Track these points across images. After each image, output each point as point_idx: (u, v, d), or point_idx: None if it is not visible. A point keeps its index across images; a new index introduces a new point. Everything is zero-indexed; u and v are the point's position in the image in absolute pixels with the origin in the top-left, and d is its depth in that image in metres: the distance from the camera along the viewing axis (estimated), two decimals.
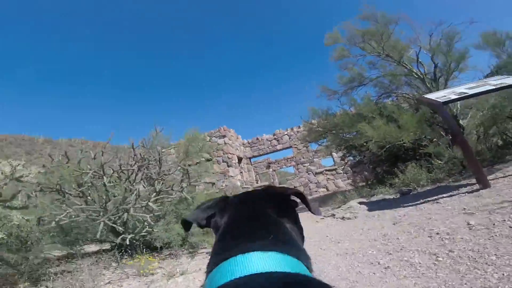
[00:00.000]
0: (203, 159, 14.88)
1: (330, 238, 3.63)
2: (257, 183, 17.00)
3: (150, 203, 3.97)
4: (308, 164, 14.52)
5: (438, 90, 7.90)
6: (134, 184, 4.59)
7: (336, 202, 7.43)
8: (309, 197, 12.84)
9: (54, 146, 21.07)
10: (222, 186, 13.37)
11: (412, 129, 5.91)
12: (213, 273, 0.38)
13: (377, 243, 2.84)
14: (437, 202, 3.80)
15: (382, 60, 8.34)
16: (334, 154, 14.13)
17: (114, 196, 4.35)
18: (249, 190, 0.65)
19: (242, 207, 0.55)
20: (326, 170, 14.11)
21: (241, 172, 15.42)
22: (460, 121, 7.68)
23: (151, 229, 4.03)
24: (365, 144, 7.55)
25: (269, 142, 15.64)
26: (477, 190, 3.74)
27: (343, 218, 4.76)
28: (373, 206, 4.97)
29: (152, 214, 4.31)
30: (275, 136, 15.63)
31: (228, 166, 13.74)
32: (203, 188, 6.05)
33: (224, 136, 14.13)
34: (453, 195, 3.95)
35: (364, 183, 9.92)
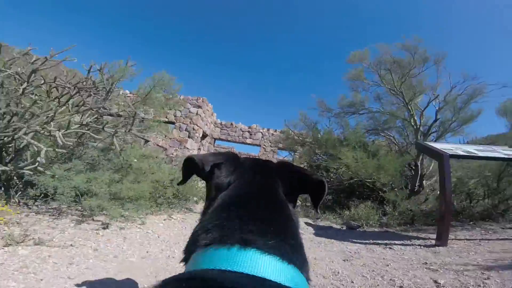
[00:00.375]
0: (165, 119, 13.55)
1: None
2: None
3: (57, 133, 2.88)
4: None
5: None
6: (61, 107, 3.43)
7: None
8: None
9: None
10: (172, 154, 12.21)
11: (391, 171, 5.68)
12: (203, 255, 0.34)
13: (327, 282, 2.27)
14: (390, 248, 3.44)
15: (391, 96, 8.17)
16: None
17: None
18: (262, 159, 0.59)
19: (253, 177, 0.49)
20: None
21: (199, 149, 14.36)
22: (424, 181, 7.89)
23: (41, 169, 2.93)
24: (335, 169, 7.26)
25: (242, 132, 14.91)
26: (433, 245, 3.51)
27: None
28: (319, 231, 4.52)
29: (60, 151, 3.22)
30: (249, 129, 14.94)
31: (189, 137, 12.65)
32: (143, 145, 4.97)
33: (199, 107, 13.00)
34: (406, 244, 3.65)
35: (310, 204, 9.72)
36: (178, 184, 0.58)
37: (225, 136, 14.94)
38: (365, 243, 3.73)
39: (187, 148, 12.55)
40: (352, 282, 2.25)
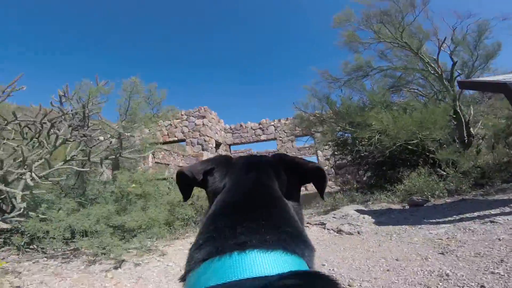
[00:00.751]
0: (174, 138, 13.15)
1: (329, 270, 2.14)
2: None
3: (30, 174, 2.26)
4: None
5: (454, 90, 6.85)
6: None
7: (322, 205, 6.08)
8: None
9: None
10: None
11: (441, 124, 4.65)
12: (202, 270, 0.32)
13: None
14: (492, 222, 2.48)
15: (395, 49, 7.09)
16: (319, 152, 12.91)
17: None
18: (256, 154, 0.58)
19: (246, 176, 0.47)
20: None
21: None
22: (471, 129, 6.69)
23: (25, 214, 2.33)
24: (367, 140, 6.27)
25: (253, 131, 14.14)
26: None
27: (339, 231, 3.34)
28: (380, 218, 3.60)
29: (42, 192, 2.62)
30: (260, 125, 14.15)
31: (203, 150, 12.14)
32: (147, 168, 4.32)
33: (203, 117, 12.47)
34: (509, 213, 2.67)
35: (350, 187, 8.69)
36: (183, 201, 0.55)
37: (238, 139, 14.32)
38: (452, 222, 2.79)
39: None
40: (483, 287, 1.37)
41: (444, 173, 5.13)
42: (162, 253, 2.85)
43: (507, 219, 2.46)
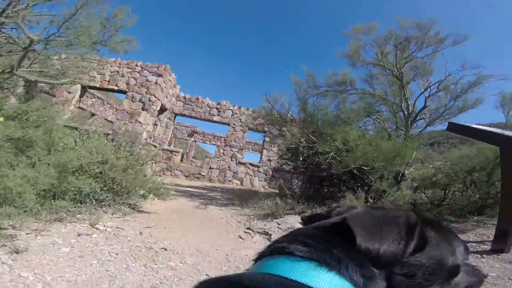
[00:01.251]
0: (115, 87, 10.91)
1: None
2: (169, 145, 13.89)
3: None
4: (237, 150, 12.51)
5: (407, 131, 7.34)
6: None
7: (260, 208, 5.57)
8: (221, 186, 10.82)
9: None
10: (119, 128, 9.84)
11: (404, 157, 4.64)
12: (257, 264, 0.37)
13: None
14: None
15: (386, 77, 7.18)
16: (265, 151, 12.63)
17: None
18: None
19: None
20: (250, 164, 12.42)
21: (155, 124, 12.08)
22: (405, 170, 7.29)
23: None
24: (325, 153, 6.05)
25: (209, 109, 12.96)
26: (485, 251, 2.49)
27: None
28: None
29: None
30: (218, 106, 13.05)
31: (143, 109, 10.42)
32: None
33: (159, 76, 10.84)
34: None
35: (288, 193, 8.57)
36: None
37: (188, 111, 12.89)
38: None
39: (140, 123, 10.40)
40: None
41: (379, 203, 5.25)
42: (16, 249, 1.67)
43: None
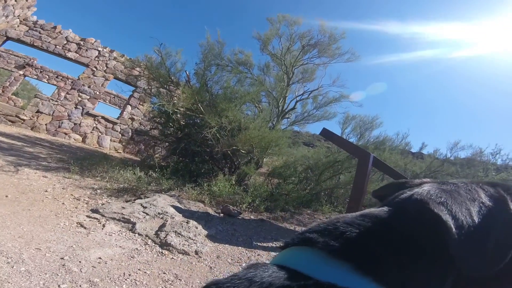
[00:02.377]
0: None
1: None
2: None
3: None
4: (88, 98, 9.39)
5: (276, 125, 8.27)
6: None
7: (113, 180, 4.33)
8: (51, 139, 7.76)
9: None
10: None
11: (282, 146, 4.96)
12: (289, 251, 0.34)
13: None
14: None
15: (276, 71, 7.49)
16: (128, 107, 10.39)
17: None
18: None
19: None
20: (103, 118, 9.76)
21: None
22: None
23: None
24: (209, 128, 5.55)
25: (66, 42, 9.34)
26: None
27: (166, 244, 2.14)
28: (210, 229, 2.81)
29: None
30: (82, 41, 9.47)
31: None
32: None
33: None
34: None
35: (148, 162, 7.38)
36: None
37: (32, 39, 8.82)
38: (276, 249, 2.63)
39: None
40: None
41: (251, 189, 5.55)
42: None
43: None
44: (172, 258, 1.95)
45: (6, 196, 2.48)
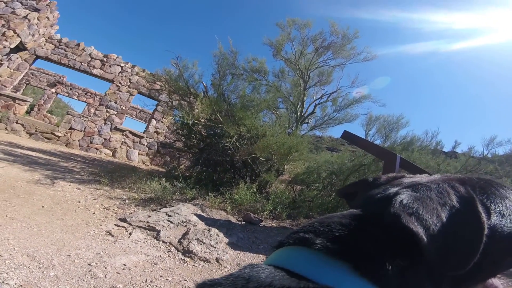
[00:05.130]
0: None
1: None
2: (15, 92, 9.62)
3: None
4: (116, 113, 10.02)
5: (295, 131, 8.17)
6: None
7: (141, 190, 4.50)
8: (84, 154, 8.33)
9: None
10: None
11: (302, 153, 4.88)
12: (282, 251, 0.34)
13: None
14: None
15: (291, 76, 7.49)
16: (153, 121, 10.91)
17: None
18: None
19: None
20: (131, 132, 10.32)
21: (0, 62, 8.07)
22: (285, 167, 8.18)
23: None
24: (228, 137, 5.64)
25: (90, 59, 9.88)
26: None
27: (188, 252, 2.15)
28: (231, 237, 2.80)
29: None
30: (105, 58, 10.19)
31: None
32: None
33: (36, 10, 8.40)
34: None
35: (173, 173, 7.62)
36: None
37: (58, 56, 9.56)
38: None
39: None
40: None
41: (272, 196, 5.48)
42: None
43: None
44: (194, 265, 1.95)
45: (43, 207, 2.67)
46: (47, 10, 8.93)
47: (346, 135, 3.99)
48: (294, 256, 0.32)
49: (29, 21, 8.48)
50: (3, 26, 8.03)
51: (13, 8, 8.43)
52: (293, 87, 7.80)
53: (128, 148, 10.27)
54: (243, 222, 3.87)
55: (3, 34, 7.98)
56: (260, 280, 0.27)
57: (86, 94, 14.76)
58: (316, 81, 7.58)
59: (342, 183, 6.84)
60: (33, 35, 8.90)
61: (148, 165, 10.34)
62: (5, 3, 8.39)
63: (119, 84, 10.16)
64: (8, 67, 8.59)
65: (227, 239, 2.60)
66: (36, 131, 8.68)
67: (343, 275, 0.28)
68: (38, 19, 8.77)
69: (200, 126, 7.15)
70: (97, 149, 9.57)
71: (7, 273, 1.40)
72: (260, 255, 2.46)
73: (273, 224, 4.18)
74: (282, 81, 8.07)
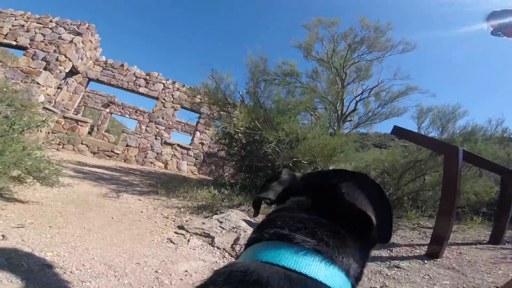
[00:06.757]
0: (14, 42, 8.33)
1: None
2: (76, 114, 11.14)
3: None
4: (164, 128, 10.90)
5: (338, 130, 7.81)
6: None
7: (193, 199, 4.76)
8: (140, 168, 9.20)
9: None
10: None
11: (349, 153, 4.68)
12: (256, 248, 0.37)
13: None
14: (397, 268, 2.21)
15: (326, 75, 7.30)
16: (197, 133, 11.56)
17: None
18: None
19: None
20: (179, 145, 11.10)
21: (59, 87, 9.45)
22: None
23: None
24: (268, 143, 5.67)
25: (135, 78, 10.87)
26: (420, 256, 2.56)
27: (239, 255, 2.18)
28: None
29: None
30: (147, 76, 11.12)
31: (46, 69, 8.58)
32: None
33: (78, 34, 9.14)
34: (400, 257, 2.55)
35: (221, 180, 7.93)
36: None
37: (108, 78, 10.62)
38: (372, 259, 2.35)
39: (38, 84, 8.16)
40: None
41: None
42: None
43: (408, 265, 2.25)
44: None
45: (112, 218, 3.00)
46: (88, 33, 9.56)
47: (397, 131, 3.65)
48: (279, 252, 0.34)
49: (76, 45, 9.11)
50: (54, 51, 8.69)
51: (59, 34, 9.05)
52: (330, 86, 7.54)
53: (178, 160, 11.05)
54: None
55: (57, 59, 8.65)
56: (251, 271, 0.30)
57: (136, 112, 16.36)
58: (354, 77, 7.24)
59: (397, 181, 6.28)
60: (82, 59, 9.84)
61: (196, 174, 10.97)
62: (51, 29, 9.02)
63: (164, 101, 11.04)
64: (67, 90, 9.85)
65: None
66: (98, 150, 9.90)
67: (325, 267, 0.32)
68: (82, 43, 9.49)
69: (240, 135, 7.34)
70: (151, 162, 10.50)
71: (89, 282, 1.58)
72: None
73: None
74: (316, 81, 7.87)
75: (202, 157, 11.38)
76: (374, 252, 2.70)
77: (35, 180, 2.73)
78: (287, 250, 0.33)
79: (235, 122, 5.60)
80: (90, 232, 2.43)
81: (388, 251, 2.75)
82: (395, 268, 2.23)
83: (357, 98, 7.67)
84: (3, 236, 2.00)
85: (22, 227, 2.24)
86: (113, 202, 3.83)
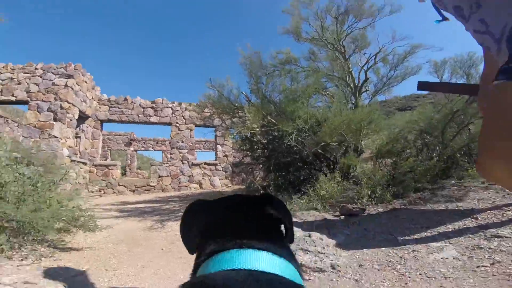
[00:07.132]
0: (12, 98, 8.59)
1: None
2: (105, 160, 11.72)
3: None
4: (186, 151, 11.14)
5: (357, 103, 7.39)
6: None
7: None
8: (178, 194, 9.46)
9: None
10: (31, 147, 7.63)
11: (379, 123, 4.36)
12: (209, 262, 0.44)
13: None
14: (497, 237, 1.90)
15: (329, 51, 6.98)
16: (219, 147, 11.65)
17: None
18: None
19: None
20: (205, 164, 11.27)
21: (77, 136, 9.90)
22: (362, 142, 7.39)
23: None
24: (288, 134, 5.48)
25: (142, 110, 11.03)
26: None
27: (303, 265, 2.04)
28: (335, 237, 2.58)
29: None
30: (153, 104, 11.28)
31: (56, 120, 8.62)
32: None
33: (69, 77, 8.87)
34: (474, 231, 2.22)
35: (254, 187, 7.88)
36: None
37: (118, 115, 10.83)
38: (434, 238, 2.09)
39: (55, 137, 8.41)
40: None
41: (364, 179, 4.97)
42: None
43: (510, 231, 1.93)
44: (309, 279, 1.81)
45: (162, 249, 3.02)
46: (78, 73, 9.09)
47: (422, 86, 3.28)
48: (254, 259, 0.40)
49: (72, 88, 8.74)
50: (55, 99, 8.45)
51: (51, 80, 8.68)
52: (332, 62, 7.20)
53: (209, 177, 11.22)
54: (342, 217, 3.57)
55: (61, 107, 8.42)
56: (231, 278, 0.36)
57: (157, 143, 16.94)
58: (353, 48, 6.91)
59: (440, 139, 5.73)
60: (85, 101, 9.66)
61: (230, 186, 11.05)
62: (40, 76, 8.68)
63: (177, 124, 11.23)
64: (86, 138, 10.11)
65: (334, 241, 2.38)
66: (135, 187, 10.36)
67: (286, 263, 0.43)
68: (78, 85, 9.06)
69: (258, 136, 7.22)
70: (186, 186, 10.76)
71: None
72: (383, 248, 2.15)
73: (380, 209, 3.72)
74: (317, 62, 7.56)
75: (230, 168, 11.44)
76: (458, 224, 2.36)
77: (77, 228, 2.84)
78: (259, 256, 0.42)
79: (248, 124, 5.49)
80: (144, 269, 2.45)
81: (473, 220, 2.40)
82: (496, 239, 1.93)
83: (365, 68, 7.26)
84: (64, 286, 2.07)
85: (81, 274, 2.31)
86: (159, 232, 3.89)
